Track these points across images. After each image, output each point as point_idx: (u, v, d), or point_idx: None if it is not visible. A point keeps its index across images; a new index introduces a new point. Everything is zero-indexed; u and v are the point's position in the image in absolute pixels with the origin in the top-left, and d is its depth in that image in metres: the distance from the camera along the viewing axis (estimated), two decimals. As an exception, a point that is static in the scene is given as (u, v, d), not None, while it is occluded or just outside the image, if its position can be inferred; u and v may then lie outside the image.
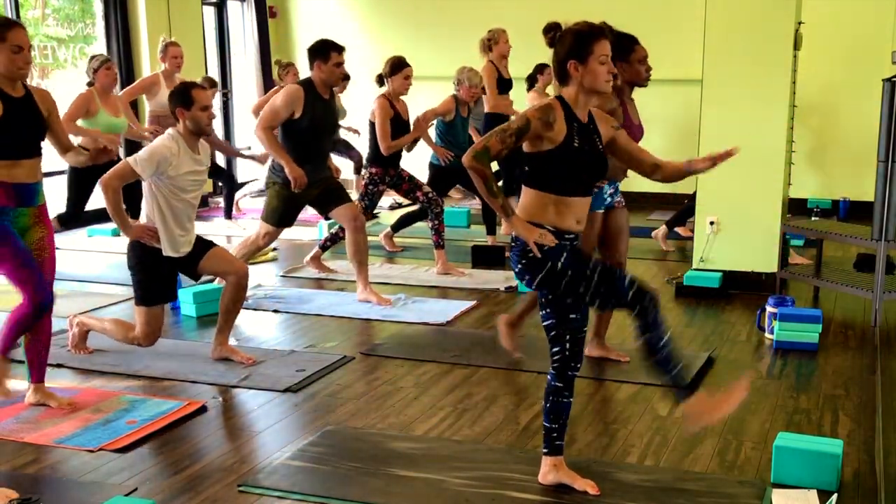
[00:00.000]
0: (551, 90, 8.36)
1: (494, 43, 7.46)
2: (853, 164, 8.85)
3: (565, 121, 2.96)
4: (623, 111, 4.24)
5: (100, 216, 8.12)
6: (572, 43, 2.97)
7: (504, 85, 7.49)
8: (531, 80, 8.63)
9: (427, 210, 6.48)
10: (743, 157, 5.79)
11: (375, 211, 7.48)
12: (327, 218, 5.77)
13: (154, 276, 4.34)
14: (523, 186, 3.03)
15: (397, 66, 6.26)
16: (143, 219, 4.32)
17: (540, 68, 8.52)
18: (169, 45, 7.40)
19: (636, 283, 2.96)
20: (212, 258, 4.44)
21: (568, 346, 3.06)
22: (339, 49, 5.31)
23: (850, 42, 8.58)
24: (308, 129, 5.27)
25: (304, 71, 8.62)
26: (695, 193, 6.19)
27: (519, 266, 3.02)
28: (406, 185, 6.43)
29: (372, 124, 6.31)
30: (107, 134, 6.35)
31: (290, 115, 5.22)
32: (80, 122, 6.42)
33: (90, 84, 6.46)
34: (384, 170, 6.35)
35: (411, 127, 6.43)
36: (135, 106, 7.90)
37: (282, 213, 5.46)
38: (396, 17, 10.13)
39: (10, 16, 7.71)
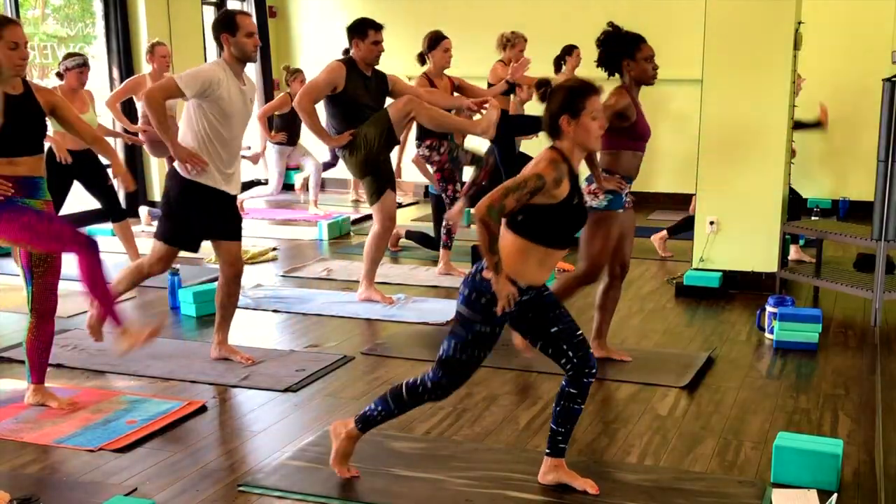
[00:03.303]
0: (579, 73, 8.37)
1: (511, 46, 7.43)
2: (853, 164, 8.85)
3: (569, 178, 2.96)
4: (636, 110, 4.27)
5: (100, 216, 8.12)
6: (565, 98, 2.97)
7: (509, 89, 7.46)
8: (557, 64, 8.60)
9: (444, 206, 6.42)
10: (743, 156, 5.85)
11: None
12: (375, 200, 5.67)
13: (189, 213, 4.26)
14: (508, 231, 3.00)
15: (435, 41, 6.15)
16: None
17: (568, 49, 8.49)
18: (156, 45, 7.36)
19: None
20: (227, 245, 4.39)
21: (571, 353, 3.06)
22: (378, 27, 5.30)
23: (850, 42, 8.58)
24: (350, 103, 5.24)
25: (311, 76, 8.67)
26: (692, 218, 6.18)
27: (468, 297, 2.99)
28: (449, 167, 6.31)
29: None
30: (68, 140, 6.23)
31: (331, 90, 5.20)
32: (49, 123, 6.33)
33: (59, 76, 6.35)
34: (437, 139, 6.24)
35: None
36: (131, 107, 7.90)
37: (380, 178, 5.33)
38: (396, 17, 10.12)
39: (9, 15, 7.70)
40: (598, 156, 4.36)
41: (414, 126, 6.30)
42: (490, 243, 2.84)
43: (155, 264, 4.40)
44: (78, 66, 6.25)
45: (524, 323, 3.11)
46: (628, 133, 4.30)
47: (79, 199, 7.93)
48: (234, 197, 4.40)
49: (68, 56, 6.35)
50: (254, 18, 4.47)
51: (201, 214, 4.31)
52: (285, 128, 8.73)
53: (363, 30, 5.26)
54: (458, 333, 3.03)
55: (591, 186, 4.22)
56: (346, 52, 7.82)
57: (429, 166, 6.45)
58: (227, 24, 4.19)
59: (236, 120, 4.26)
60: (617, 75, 4.35)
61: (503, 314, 2.94)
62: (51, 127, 6.29)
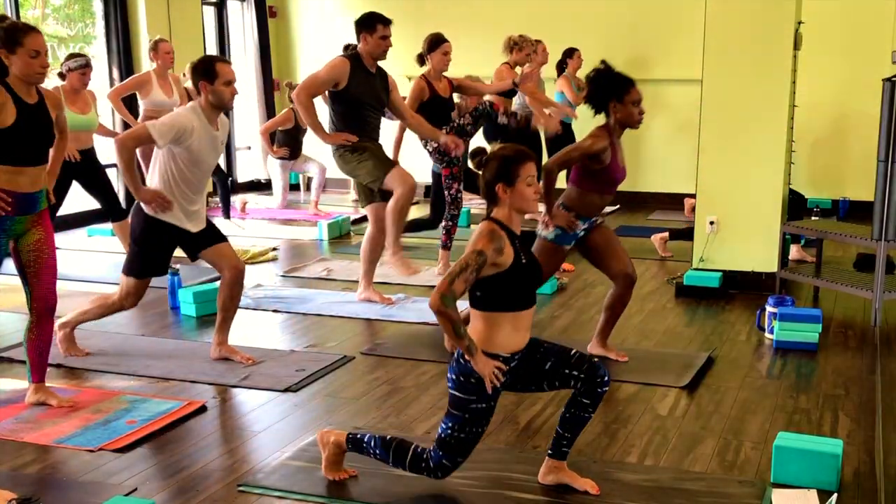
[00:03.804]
0: (581, 75, 8.36)
1: (518, 49, 7.43)
2: (853, 164, 8.85)
3: (510, 242, 2.97)
4: (612, 152, 4.24)
5: (99, 216, 8.12)
6: (498, 167, 2.98)
7: (509, 92, 7.45)
8: (560, 67, 8.61)
9: (440, 213, 6.43)
10: (743, 156, 5.85)
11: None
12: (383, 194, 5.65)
13: (154, 248, 4.31)
14: (475, 311, 3.01)
15: (435, 43, 6.13)
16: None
17: (569, 52, 8.51)
18: (159, 42, 7.35)
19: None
20: (216, 250, 4.41)
21: (576, 373, 3.05)
22: (386, 21, 5.26)
23: (850, 42, 8.58)
24: (353, 100, 5.22)
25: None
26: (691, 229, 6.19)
27: (457, 381, 2.99)
28: (459, 165, 6.29)
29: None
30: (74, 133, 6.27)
31: (333, 85, 5.18)
32: None
33: (61, 77, 6.36)
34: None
35: (454, 100, 6.32)
36: (132, 104, 7.90)
37: (377, 160, 5.27)
38: (396, 17, 10.11)
39: (9, 15, 7.70)
40: (567, 186, 4.37)
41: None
42: (454, 330, 2.85)
43: (125, 299, 4.42)
44: (81, 67, 6.25)
45: (520, 381, 3.11)
46: (599, 176, 4.28)
47: (79, 198, 7.95)
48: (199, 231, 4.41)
49: (71, 56, 6.34)
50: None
51: (163, 249, 4.37)
52: (288, 143, 8.75)
53: (372, 23, 5.22)
54: (454, 415, 3.02)
55: (544, 216, 4.28)
56: (347, 47, 7.83)
57: (436, 164, 6.37)
58: (205, 71, 4.18)
59: (204, 165, 4.30)
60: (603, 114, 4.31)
61: (494, 389, 2.95)
62: None
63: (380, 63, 5.39)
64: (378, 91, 5.35)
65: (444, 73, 6.22)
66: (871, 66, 7.72)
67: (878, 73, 5.77)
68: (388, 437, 3.15)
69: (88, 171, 6.32)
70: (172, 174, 4.22)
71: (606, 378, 3.07)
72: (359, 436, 3.18)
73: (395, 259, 5.45)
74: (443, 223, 6.38)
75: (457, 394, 3.00)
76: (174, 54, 7.41)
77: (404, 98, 5.90)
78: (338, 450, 3.22)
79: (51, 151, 3.86)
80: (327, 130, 5.30)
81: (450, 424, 3.03)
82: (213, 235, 4.43)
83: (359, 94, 5.22)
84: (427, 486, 3.19)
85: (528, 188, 2.97)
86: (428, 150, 6.30)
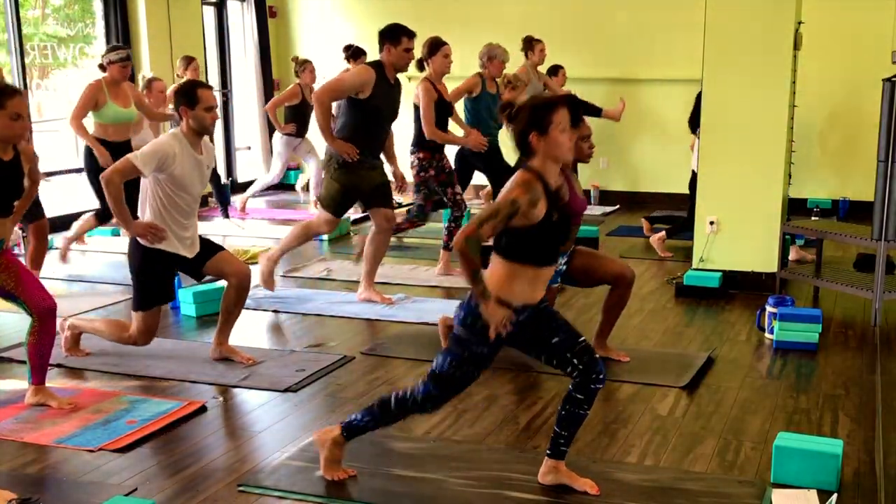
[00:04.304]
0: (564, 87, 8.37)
1: (530, 50, 7.45)
2: (853, 164, 8.85)
3: (545, 196, 2.94)
4: (568, 187, 4.20)
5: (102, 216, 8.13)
6: (531, 115, 2.95)
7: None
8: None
9: (421, 213, 6.48)
10: (743, 156, 5.85)
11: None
12: (365, 210, 5.72)
13: (155, 278, 4.33)
14: (496, 256, 3.01)
15: (435, 46, 6.14)
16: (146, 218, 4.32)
17: (553, 70, 8.52)
18: (152, 81, 7.39)
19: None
20: (217, 259, 4.43)
21: (576, 361, 3.05)
22: (411, 34, 5.28)
23: (850, 42, 8.58)
24: (372, 112, 5.22)
25: (317, 68, 8.64)
26: (691, 214, 6.19)
27: (464, 320, 3.01)
28: (444, 176, 6.30)
29: (417, 108, 6.18)
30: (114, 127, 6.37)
31: (355, 93, 5.18)
32: (90, 114, 6.37)
33: (102, 69, 6.39)
34: (431, 154, 6.22)
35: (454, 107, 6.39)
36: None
37: (336, 201, 5.36)
38: (396, 17, 10.13)
39: (9, 15, 7.71)
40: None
41: (416, 130, 6.27)
42: (472, 273, 2.86)
43: (140, 336, 4.37)
44: (122, 60, 6.32)
45: (523, 340, 3.10)
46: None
47: (79, 199, 7.97)
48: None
49: (112, 49, 6.43)
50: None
51: (164, 277, 4.37)
52: (295, 119, 8.65)
53: (397, 36, 5.25)
54: (454, 351, 3.04)
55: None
56: (348, 48, 7.82)
57: (422, 173, 6.38)
58: (187, 96, 4.22)
59: (191, 190, 4.31)
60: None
61: (498, 337, 2.96)
62: (92, 124, 6.37)
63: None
64: (396, 103, 5.43)
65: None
66: (871, 66, 7.72)
67: (878, 73, 5.78)
68: (370, 404, 3.19)
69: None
70: (162, 202, 4.24)
71: (602, 376, 3.07)
72: (349, 419, 3.20)
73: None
74: (444, 226, 6.38)
75: (461, 332, 3.02)
76: (166, 94, 7.43)
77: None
78: (336, 446, 3.22)
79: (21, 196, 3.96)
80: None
81: (448, 359, 3.05)
82: (209, 249, 4.44)
83: (379, 105, 5.24)
84: (427, 486, 3.19)
85: (563, 134, 2.94)
86: (412, 161, 6.33)
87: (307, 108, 8.48)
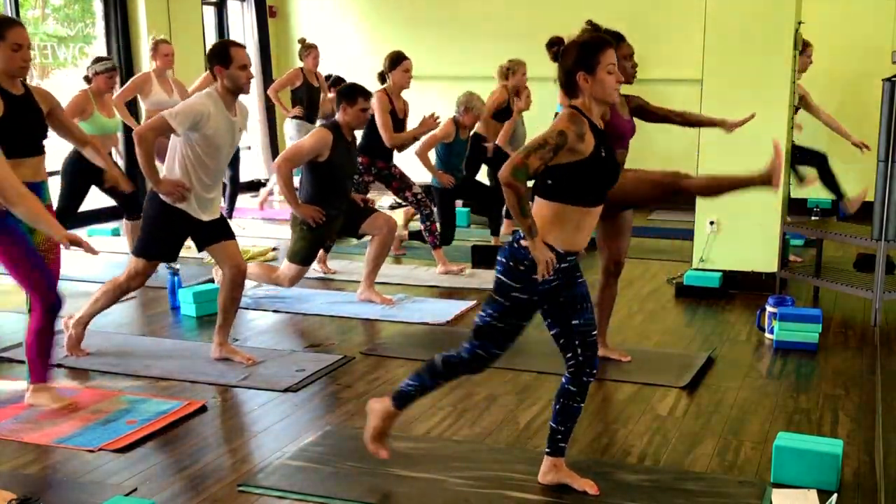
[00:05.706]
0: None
1: (512, 73, 7.46)
2: (853, 164, 8.84)
3: (591, 131, 2.92)
4: (611, 109, 4.18)
5: (99, 216, 8.14)
6: (579, 54, 2.93)
7: (505, 113, 7.44)
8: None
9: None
10: (743, 156, 5.83)
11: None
12: (360, 237, 5.80)
13: (167, 233, 4.33)
14: (540, 199, 2.97)
15: (396, 60, 6.26)
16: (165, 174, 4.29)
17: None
18: (159, 43, 7.31)
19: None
20: (223, 246, 4.42)
21: (580, 350, 3.06)
22: (367, 95, 5.32)
23: (850, 42, 8.58)
24: (330, 172, 5.24)
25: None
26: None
27: (506, 265, 2.98)
28: (396, 182, 6.39)
29: (370, 118, 6.22)
30: (100, 137, 6.30)
31: (314, 157, 5.19)
32: (77, 122, 6.37)
33: (87, 80, 6.39)
34: (371, 160, 6.31)
35: (407, 127, 6.44)
36: (134, 106, 7.89)
37: (305, 254, 5.34)
38: (396, 17, 10.13)
39: (9, 15, 7.71)
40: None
41: (363, 136, 6.33)
42: (520, 206, 2.80)
43: (132, 279, 4.45)
44: (107, 71, 6.28)
45: (556, 300, 3.05)
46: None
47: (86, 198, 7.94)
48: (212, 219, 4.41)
49: (98, 60, 6.40)
50: (248, 50, 4.49)
51: (176, 235, 4.39)
52: (300, 102, 8.56)
53: (353, 96, 5.25)
54: (496, 301, 3.00)
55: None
56: (327, 77, 7.78)
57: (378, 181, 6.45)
58: (220, 55, 4.20)
59: (223, 151, 4.30)
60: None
61: (542, 282, 2.92)
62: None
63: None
64: (355, 159, 5.53)
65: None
66: (871, 66, 7.72)
67: (878, 73, 5.77)
68: (417, 370, 3.22)
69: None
70: (191, 161, 4.22)
71: (595, 370, 3.10)
72: (399, 388, 3.22)
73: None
74: (422, 228, 6.43)
75: (503, 279, 2.98)
76: (174, 56, 7.38)
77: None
78: (388, 417, 3.22)
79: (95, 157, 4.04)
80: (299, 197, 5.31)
81: (489, 311, 3.02)
82: (222, 231, 4.43)
83: (338, 166, 5.26)
84: (428, 487, 3.19)
85: (609, 76, 2.92)
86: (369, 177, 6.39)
87: (312, 91, 8.45)
